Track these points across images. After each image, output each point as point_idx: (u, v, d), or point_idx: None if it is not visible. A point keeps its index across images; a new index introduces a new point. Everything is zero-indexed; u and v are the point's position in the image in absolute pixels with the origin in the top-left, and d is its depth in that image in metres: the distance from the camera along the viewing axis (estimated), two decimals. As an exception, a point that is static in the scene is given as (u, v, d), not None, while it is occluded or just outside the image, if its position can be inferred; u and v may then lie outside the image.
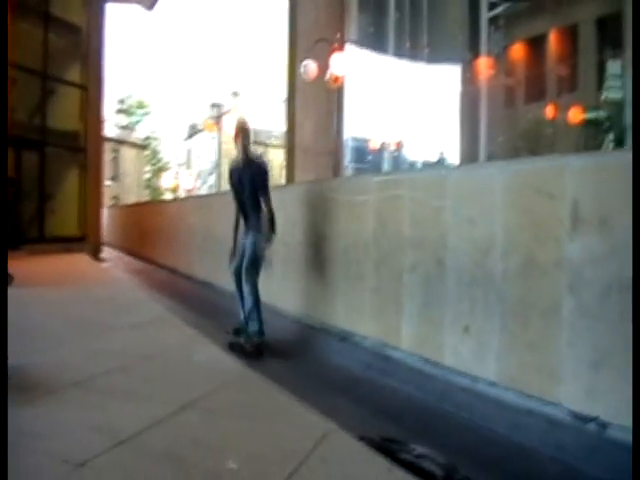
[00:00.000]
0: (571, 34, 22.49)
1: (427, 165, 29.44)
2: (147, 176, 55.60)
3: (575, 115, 20.17)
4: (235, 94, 55.96)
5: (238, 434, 3.06)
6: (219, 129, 33.88)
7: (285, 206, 6.57)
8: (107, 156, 30.27)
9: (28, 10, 13.72)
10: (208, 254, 10.35)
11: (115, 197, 42.74)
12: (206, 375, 4.16)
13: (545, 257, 3.73)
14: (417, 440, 3.40)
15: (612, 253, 3.31)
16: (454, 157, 26.82)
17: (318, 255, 6.32)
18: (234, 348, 5.53)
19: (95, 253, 15.63)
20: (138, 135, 55.01)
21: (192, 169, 60.46)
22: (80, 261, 13.39)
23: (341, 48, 15.42)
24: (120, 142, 49.27)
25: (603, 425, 3.29)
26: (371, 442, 3.04)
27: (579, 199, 3.52)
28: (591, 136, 19.71)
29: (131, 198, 43.18)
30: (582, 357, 3.46)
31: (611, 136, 19.15)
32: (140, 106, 57.07)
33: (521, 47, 23.97)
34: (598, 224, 3.41)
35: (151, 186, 54.92)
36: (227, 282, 8.22)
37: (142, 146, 54.01)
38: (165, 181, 54.16)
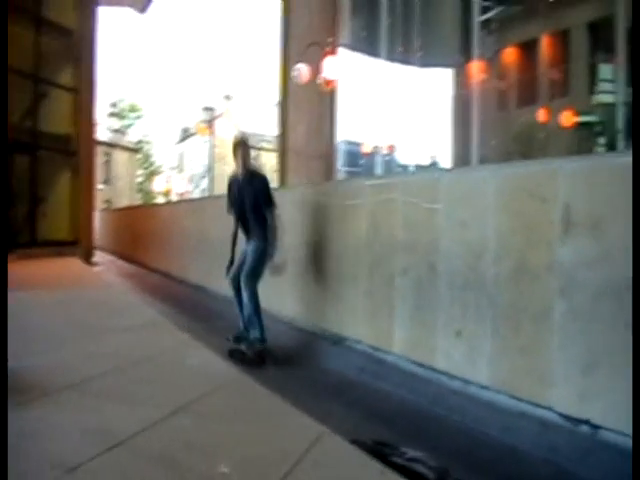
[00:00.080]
0: (563, 38, 22.58)
1: (420, 168, 29.50)
2: (139, 180, 55.54)
3: (567, 119, 20.24)
4: (227, 97, 55.99)
5: (231, 437, 3.05)
6: (211, 133, 33.86)
7: (278, 210, 6.57)
8: (99, 160, 30.21)
9: (19, 13, 13.68)
10: (201, 258, 10.34)
11: (107, 201, 42.67)
12: (199, 378, 4.14)
13: (537, 261, 3.74)
14: (409, 443, 3.40)
15: (604, 257, 3.32)
16: (446, 161, 26.88)
17: (311, 259, 6.32)
18: (234, 355, 5.52)
19: (87, 257, 15.57)
20: (130, 139, 54.98)
21: (184, 173, 60.39)
22: (72, 265, 13.33)
23: (334, 52, 15.44)
24: (112, 146, 49.22)
25: (595, 428, 3.30)
26: (363, 445, 3.04)
27: (571, 202, 3.54)
28: (583, 140, 19.78)
29: (123, 202, 43.12)
30: (574, 360, 3.47)
31: (603, 140, 19.24)
32: (132, 109, 57.06)
33: (513, 51, 24.05)
34: (590, 227, 3.42)
35: (143, 190, 54.86)
36: (220, 286, 8.22)
37: (134, 150, 53.98)
38: (157, 185, 54.05)
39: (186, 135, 60.88)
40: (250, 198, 5.84)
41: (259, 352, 5.60)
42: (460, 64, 22.77)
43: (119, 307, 7.44)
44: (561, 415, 3.51)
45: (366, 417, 4.21)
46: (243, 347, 5.66)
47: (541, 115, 21.32)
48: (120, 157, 50.67)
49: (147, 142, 58.66)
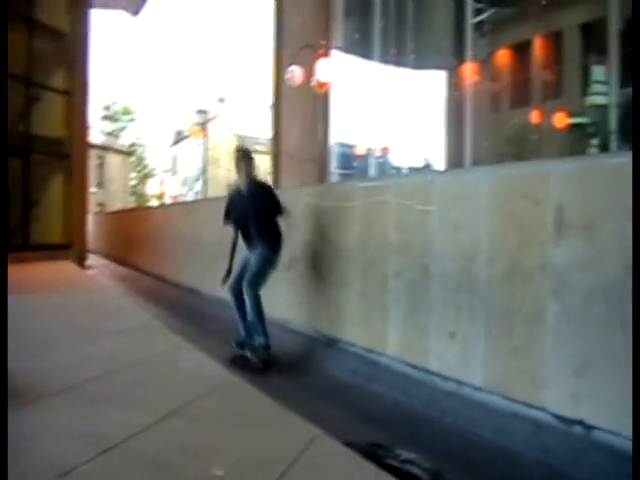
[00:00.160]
0: (555, 40, 22.64)
1: (413, 170, 29.52)
2: (133, 183, 55.43)
3: (560, 120, 20.28)
4: (221, 100, 55.95)
5: (225, 440, 3.04)
6: (205, 135, 33.84)
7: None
8: (92, 163, 30.15)
9: (12, 16, 13.64)
10: (194, 260, 10.33)
11: (100, 204, 42.55)
12: (192, 381, 4.13)
13: (530, 262, 3.75)
14: (403, 445, 3.40)
15: (596, 258, 3.33)
16: (440, 163, 26.90)
17: (304, 261, 6.32)
18: (236, 362, 5.50)
19: (80, 260, 15.52)
20: (123, 142, 54.85)
21: (178, 176, 60.31)
22: (65, 268, 13.30)
23: (327, 54, 15.46)
24: (105, 149, 49.11)
25: (588, 428, 3.31)
26: (357, 447, 3.03)
27: (564, 204, 3.54)
28: (576, 141, 19.83)
29: (117, 205, 43.02)
30: (567, 361, 3.48)
31: (596, 141, 19.30)
32: (125, 112, 56.95)
33: (506, 53, 24.09)
34: (583, 229, 3.43)
35: (137, 193, 54.76)
36: (214, 289, 8.21)
37: (128, 153, 53.86)
38: (151, 188, 53.95)
39: (180, 138, 60.82)
40: (255, 208, 5.79)
41: (264, 359, 5.53)
42: (453, 66, 22.81)
43: (113, 310, 7.42)
44: (554, 416, 3.51)
45: (359, 419, 4.21)
46: (247, 353, 5.60)
47: (534, 117, 21.36)
48: (113, 160, 50.56)
49: (140, 145, 58.56)
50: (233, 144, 55.67)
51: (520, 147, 20.24)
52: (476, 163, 17.64)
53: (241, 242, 5.99)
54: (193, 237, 10.51)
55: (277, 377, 5.27)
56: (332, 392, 4.86)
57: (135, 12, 23.03)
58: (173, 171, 61.86)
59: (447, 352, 4.38)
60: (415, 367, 4.67)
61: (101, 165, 47.62)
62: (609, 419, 3.22)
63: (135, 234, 16.06)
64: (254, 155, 6.11)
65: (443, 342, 4.40)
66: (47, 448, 2.84)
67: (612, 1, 16.79)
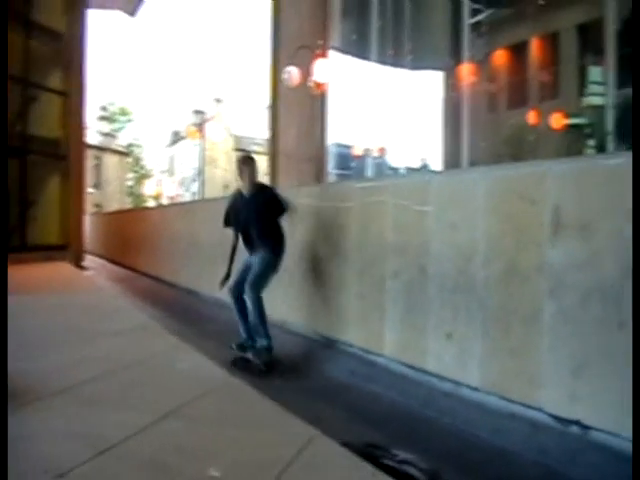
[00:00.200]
0: (552, 41, 22.66)
1: (410, 171, 29.55)
2: (130, 183, 55.36)
3: (557, 121, 20.29)
4: (218, 101, 55.92)
5: (222, 441, 3.05)
6: (202, 136, 33.82)
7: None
8: (89, 163, 30.10)
9: (9, 17, 13.62)
10: (192, 261, 10.32)
11: (97, 205, 42.48)
12: (189, 382, 4.13)
13: (527, 263, 3.76)
14: (400, 446, 3.40)
15: (593, 258, 3.33)
16: (437, 163, 26.94)
17: (301, 261, 6.31)
18: (238, 364, 5.49)
19: (77, 261, 15.51)
20: (121, 142, 54.78)
21: (175, 176, 60.28)
22: (62, 269, 13.29)
23: (324, 54, 15.46)
24: (102, 149, 49.04)
25: (585, 428, 3.31)
26: (354, 448, 3.03)
27: (561, 205, 3.55)
28: (573, 142, 19.85)
29: (114, 205, 42.94)
30: (564, 362, 3.48)
31: (592, 142, 19.31)
32: (122, 113, 56.85)
33: (503, 53, 24.11)
34: (579, 229, 3.43)
35: (134, 193, 54.70)
36: (211, 290, 8.21)
37: (125, 153, 53.79)
38: (148, 188, 53.94)
39: (177, 138, 60.77)
40: (257, 212, 5.77)
41: (266, 361, 5.49)
42: (450, 67, 22.82)
43: (110, 311, 7.42)
44: (551, 416, 3.52)
45: (357, 420, 4.21)
46: (249, 356, 5.57)
47: (531, 117, 21.38)
48: (110, 161, 50.49)
49: (137, 145, 58.47)
50: (230, 144, 55.73)
51: (517, 148, 20.26)
52: (473, 164, 17.63)
53: (240, 246, 5.96)
54: (190, 238, 10.49)
55: (276, 378, 5.26)
56: (330, 393, 4.87)
57: (132, 12, 23.00)
58: (170, 172, 61.83)
59: (444, 352, 4.38)
60: (413, 368, 4.67)
61: (98, 166, 47.53)
62: (606, 419, 3.22)
63: (132, 235, 16.04)
64: (253, 157, 6.09)
65: (440, 342, 4.40)
66: (45, 449, 2.85)
67: (609, 2, 16.82)
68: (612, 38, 16.72)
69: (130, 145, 56.44)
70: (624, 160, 3.31)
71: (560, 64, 22.83)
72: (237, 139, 57.98)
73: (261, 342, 5.57)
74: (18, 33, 14.55)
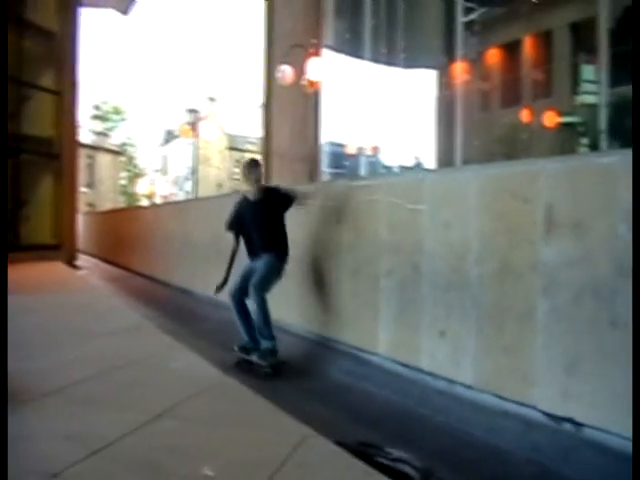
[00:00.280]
0: (546, 39, 22.70)
1: (404, 169, 29.55)
2: (123, 182, 55.24)
3: (550, 119, 20.33)
4: (211, 100, 55.86)
5: (215, 441, 3.04)
6: (195, 135, 33.72)
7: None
8: (82, 162, 30.02)
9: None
10: (185, 261, 10.31)
11: (91, 204, 42.36)
12: (184, 382, 4.13)
13: (520, 261, 3.76)
14: (395, 444, 3.40)
15: (586, 256, 3.34)
16: (430, 162, 26.94)
17: (295, 260, 6.30)
18: (242, 366, 5.46)
19: (71, 261, 15.46)
20: (114, 141, 54.65)
21: (168, 175, 60.18)
22: (56, 269, 13.24)
23: (318, 53, 15.45)
24: (96, 148, 48.94)
25: (578, 425, 3.32)
26: (348, 447, 3.03)
27: (553, 203, 3.56)
28: (566, 140, 19.89)
29: (107, 205, 42.86)
30: (557, 359, 3.49)
31: (585, 140, 19.35)
32: (116, 112, 56.69)
33: (497, 52, 24.12)
34: (572, 227, 3.44)
35: (127, 192, 54.57)
36: (205, 289, 8.20)
37: (118, 152, 53.68)
38: (141, 187, 53.79)
39: (170, 137, 60.68)
40: (264, 217, 5.74)
41: (275, 364, 5.40)
42: (444, 65, 22.83)
43: (103, 311, 7.40)
44: (545, 414, 3.52)
45: (351, 418, 4.22)
46: (254, 358, 5.48)
47: (524, 116, 21.42)
48: (103, 160, 50.39)
49: (131, 144, 58.36)
50: (224, 143, 55.63)
51: (510, 146, 20.29)
52: (466, 162, 17.66)
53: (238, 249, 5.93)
54: (184, 237, 10.48)
55: (274, 378, 5.25)
56: (323, 391, 4.87)
57: (125, 11, 22.95)
58: (163, 171, 61.73)
59: (438, 351, 4.39)
60: (407, 366, 4.68)
61: (91, 165, 47.42)
62: (598, 417, 3.23)
63: (125, 234, 16.01)
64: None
65: (434, 341, 4.41)
66: (38, 449, 2.84)
67: (602, 0, 16.85)
68: (605, 37, 16.74)
69: (123, 144, 56.32)
70: (617, 158, 3.32)
71: (553, 63, 22.88)
72: (231, 138, 57.98)
73: (265, 344, 5.46)
74: (11, 32, 14.48)
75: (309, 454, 2.87)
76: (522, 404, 3.67)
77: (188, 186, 49.33)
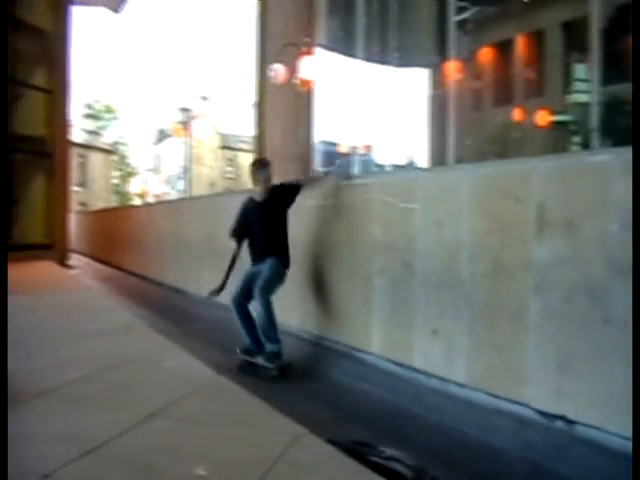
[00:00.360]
0: (538, 38, 22.77)
1: (397, 168, 29.58)
2: (115, 181, 55.09)
3: (542, 118, 20.38)
4: (204, 98, 55.72)
5: (208, 441, 3.04)
6: (188, 134, 33.63)
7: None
8: (74, 161, 29.92)
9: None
10: (179, 260, 10.29)
11: (83, 203, 42.24)
12: (176, 382, 4.12)
13: (512, 260, 3.77)
14: (388, 443, 3.41)
15: (578, 255, 3.35)
16: (423, 160, 26.98)
17: (293, 262, 6.29)
18: (245, 370, 5.40)
19: (63, 260, 15.41)
20: (106, 140, 54.49)
21: (161, 174, 60.04)
22: (48, 268, 13.20)
23: (310, 52, 15.42)
24: (88, 147, 48.80)
25: (570, 423, 3.33)
26: (341, 445, 3.04)
27: (545, 202, 3.56)
28: (558, 139, 19.94)
29: (99, 204, 42.76)
30: (549, 358, 3.50)
31: (577, 139, 19.40)
32: (108, 111, 56.50)
33: (489, 51, 24.19)
34: (564, 226, 3.45)
35: (119, 192, 54.41)
36: (199, 289, 8.19)
37: (110, 151, 53.54)
38: (133, 186, 53.64)
39: (162, 136, 60.51)
40: (271, 220, 5.63)
41: (282, 367, 5.29)
42: (436, 64, 22.84)
43: (96, 310, 7.39)
44: (537, 412, 3.53)
45: (345, 417, 4.22)
46: (260, 361, 5.38)
47: (516, 115, 21.47)
48: (96, 159, 50.26)
49: (123, 143, 58.18)
50: (216, 142, 55.51)
51: (503, 145, 20.35)
52: (459, 161, 17.67)
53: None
54: (177, 236, 10.46)
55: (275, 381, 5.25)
56: (317, 390, 4.88)
57: (116, 9, 22.85)
58: (156, 170, 61.58)
59: (431, 349, 4.39)
60: (400, 365, 4.68)
61: (83, 164, 47.28)
62: (592, 414, 3.24)
63: (118, 233, 15.98)
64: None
65: (427, 339, 4.41)
66: (30, 449, 2.83)
67: (594, 0, 16.89)
68: (597, 36, 16.78)
69: (116, 143, 56.15)
70: (609, 157, 3.33)
71: (545, 62, 22.97)
72: (223, 137, 57.87)
73: (270, 347, 5.33)
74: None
75: (302, 453, 2.88)
76: (515, 402, 3.68)
77: (181, 185, 49.24)
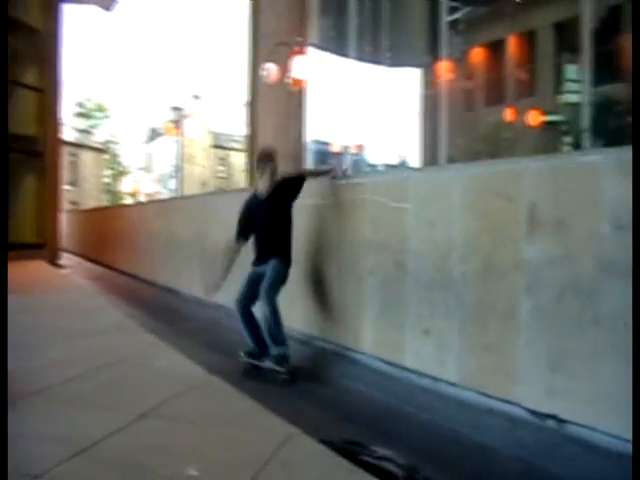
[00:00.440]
0: (529, 39, 22.83)
1: (389, 167, 29.61)
2: (107, 180, 54.95)
3: (534, 118, 20.44)
4: (196, 97, 55.63)
5: (200, 440, 3.04)
6: (180, 133, 33.56)
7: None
8: (65, 160, 29.82)
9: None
10: (171, 259, 10.27)
11: (74, 202, 42.10)
12: (167, 381, 4.11)
13: (503, 259, 3.78)
14: (379, 442, 3.41)
15: (568, 255, 3.36)
16: (415, 160, 27.00)
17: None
18: (250, 374, 5.31)
19: (54, 259, 15.36)
20: (97, 139, 54.35)
21: (152, 173, 59.90)
22: (39, 268, 13.15)
23: (302, 51, 15.41)
24: (79, 146, 48.65)
25: (561, 422, 3.34)
26: (332, 445, 3.04)
27: (537, 202, 3.57)
28: (549, 139, 20.00)
29: (90, 203, 42.65)
30: (540, 357, 3.51)
31: (569, 139, 19.46)
32: (99, 109, 56.36)
33: (481, 51, 24.22)
34: (555, 226, 3.46)
35: (111, 190, 54.27)
36: (191, 288, 8.18)
37: (101, 150, 53.40)
38: (125, 185, 53.51)
39: (154, 135, 60.38)
40: (275, 216, 5.47)
41: (292, 371, 5.16)
42: (428, 64, 22.87)
43: (87, 310, 7.36)
44: (529, 411, 3.54)
45: (335, 416, 4.22)
46: (268, 364, 5.25)
47: (508, 115, 21.52)
48: (87, 157, 50.14)
49: (115, 142, 58.04)
50: (208, 141, 55.38)
51: (494, 145, 20.38)
52: (451, 161, 17.71)
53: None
54: (169, 235, 10.44)
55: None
56: (306, 389, 4.89)
57: (107, 7, 22.75)
58: (148, 168, 61.43)
59: (422, 349, 4.40)
60: (392, 364, 4.68)
61: (74, 163, 47.14)
62: (583, 413, 3.26)
63: (109, 232, 15.94)
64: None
65: (418, 339, 4.42)
66: (22, 450, 2.82)
67: (586, 0, 16.94)
68: (588, 36, 16.83)
69: (107, 142, 56.01)
70: (600, 157, 3.34)
71: (537, 62, 23.02)
72: (215, 136, 57.76)
73: (277, 350, 5.21)
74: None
75: (294, 453, 2.88)
76: (506, 401, 3.69)
77: (172, 184, 49.15)
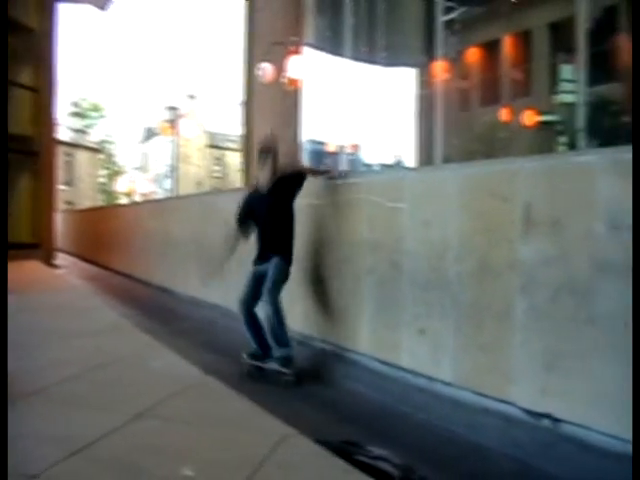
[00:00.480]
0: (525, 39, 22.88)
1: (384, 167, 29.63)
2: (102, 180, 54.85)
3: (529, 118, 20.48)
4: (191, 97, 55.54)
5: (195, 441, 3.03)
6: (175, 132, 33.51)
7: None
8: (61, 160, 29.77)
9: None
10: (166, 259, 10.26)
11: (69, 202, 42.01)
12: (163, 381, 4.11)
13: (499, 259, 3.78)
14: (375, 442, 3.41)
15: (564, 255, 3.37)
16: (410, 160, 27.04)
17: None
18: (253, 375, 5.27)
19: (49, 259, 15.33)
20: (93, 138, 54.22)
21: (148, 173, 59.81)
22: (34, 268, 13.12)
23: (298, 51, 15.41)
24: (74, 146, 48.51)
25: (556, 421, 3.35)
26: (328, 445, 3.04)
27: (532, 202, 3.58)
28: (545, 139, 20.03)
29: (86, 203, 42.57)
30: (535, 357, 3.52)
31: (564, 139, 19.49)
32: (95, 109, 56.24)
33: (476, 51, 24.24)
34: (550, 226, 3.47)
35: (106, 190, 54.18)
36: (186, 288, 8.17)
37: (97, 150, 53.28)
38: (120, 185, 53.43)
39: (150, 135, 60.29)
40: (279, 206, 5.38)
41: (297, 371, 5.09)
42: (424, 64, 22.88)
43: (83, 310, 7.35)
44: (524, 410, 3.55)
45: (332, 416, 4.23)
46: (274, 366, 5.16)
47: (504, 115, 21.54)
48: (82, 157, 49.98)
49: (110, 142, 57.94)
50: (203, 141, 55.29)
51: (490, 145, 20.41)
52: (447, 160, 17.70)
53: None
54: (164, 235, 10.43)
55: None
56: (304, 389, 4.88)
57: (103, 6, 22.71)
58: (143, 168, 61.34)
59: (418, 348, 4.40)
60: (387, 364, 4.69)
61: (70, 162, 47.00)
62: (578, 413, 3.26)
63: (105, 232, 15.91)
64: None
65: (414, 338, 4.42)
66: (19, 450, 2.81)
67: (581, 1, 16.96)
68: (584, 37, 16.85)
69: (102, 141, 55.90)
70: (595, 157, 3.35)
71: (532, 62, 23.07)
72: (211, 136, 57.70)
73: (281, 352, 5.14)
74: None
75: (289, 453, 2.88)
76: (502, 401, 3.70)
77: (168, 184, 49.08)
